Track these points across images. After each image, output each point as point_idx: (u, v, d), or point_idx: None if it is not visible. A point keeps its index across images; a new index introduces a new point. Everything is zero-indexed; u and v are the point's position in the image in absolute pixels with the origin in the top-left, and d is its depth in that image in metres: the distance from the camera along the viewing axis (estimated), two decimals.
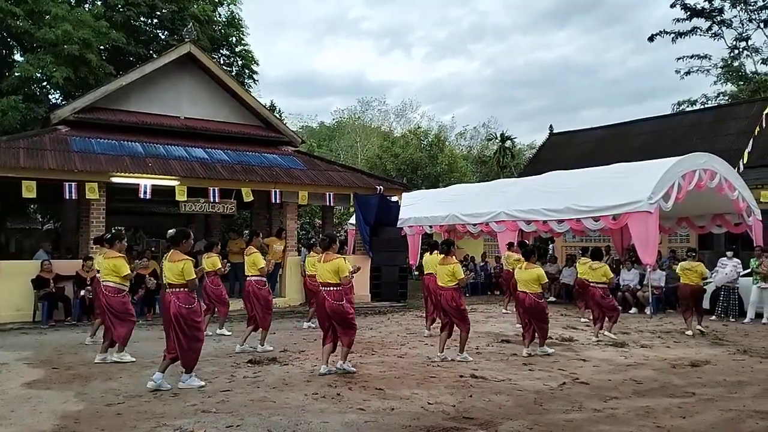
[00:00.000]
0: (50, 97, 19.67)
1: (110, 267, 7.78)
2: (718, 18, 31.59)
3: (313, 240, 13.25)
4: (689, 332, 10.66)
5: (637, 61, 74.12)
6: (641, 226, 12.98)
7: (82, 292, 11.23)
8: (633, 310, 13.94)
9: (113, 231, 8.67)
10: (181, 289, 6.44)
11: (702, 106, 31.22)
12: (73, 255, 13.66)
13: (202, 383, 6.44)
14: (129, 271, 7.88)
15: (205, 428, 4.99)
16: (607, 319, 10.15)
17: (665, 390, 6.61)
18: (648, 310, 13.50)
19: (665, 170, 13.23)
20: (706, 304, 13.22)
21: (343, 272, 6.98)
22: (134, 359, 7.78)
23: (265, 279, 8.99)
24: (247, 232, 10.57)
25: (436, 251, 9.99)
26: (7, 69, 18.51)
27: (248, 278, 8.90)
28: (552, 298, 16.23)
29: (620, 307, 13.92)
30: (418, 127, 40.74)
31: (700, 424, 5.37)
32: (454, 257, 8.37)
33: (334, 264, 7.00)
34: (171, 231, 6.89)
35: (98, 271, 8.64)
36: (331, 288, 7.02)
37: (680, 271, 11.20)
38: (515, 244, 13.51)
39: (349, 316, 7.08)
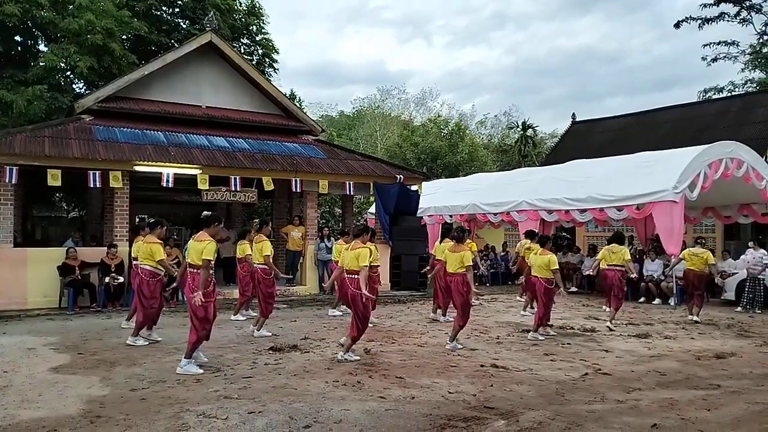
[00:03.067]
0: (74, 86, 19.93)
1: (147, 251, 8.03)
2: (747, 3, 30.82)
3: (346, 229, 13.31)
4: (695, 318, 10.73)
5: (661, 48, 72.90)
6: (666, 216, 12.79)
7: (107, 279, 11.41)
8: (657, 300, 13.77)
9: (146, 218, 8.93)
10: (197, 270, 6.48)
11: (729, 94, 30.56)
12: (98, 243, 13.86)
13: (200, 371, 6.40)
14: (163, 257, 8.10)
15: (227, 414, 5.04)
16: (610, 306, 10.03)
17: (689, 382, 6.52)
18: (672, 301, 13.33)
19: (691, 159, 13.00)
20: (731, 296, 13.07)
21: (364, 260, 7.01)
22: (147, 343, 8.04)
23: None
24: (257, 221, 10.64)
25: (446, 238, 9.96)
26: (33, 59, 18.74)
27: (255, 266, 9.12)
28: (573, 289, 16.10)
29: (642, 298, 13.97)
30: (438, 116, 40.53)
31: (726, 416, 5.28)
32: (466, 244, 8.34)
33: (356, 252, 7.08)
34: (206, 212, 6.95)
35: (135, 258, 8.95)
36: (354, 276, 7.09)
37: (686, 256, 11.09)
38: (536, 233, 13.46)
39: (365, 310, 7.04)
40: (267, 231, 9.65)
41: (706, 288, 11.49)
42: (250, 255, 9.50)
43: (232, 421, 4.87)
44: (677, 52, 68.25)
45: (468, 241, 9.03)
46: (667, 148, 15.50)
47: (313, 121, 17.17)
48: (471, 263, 8.08)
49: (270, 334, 8.76)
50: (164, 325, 9.20)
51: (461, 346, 8.00)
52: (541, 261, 8.95)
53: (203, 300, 6.34)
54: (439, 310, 10.72)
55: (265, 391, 5.78)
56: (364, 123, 45.70)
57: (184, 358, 6.52)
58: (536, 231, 12.46)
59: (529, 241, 12.04)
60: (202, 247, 6.46)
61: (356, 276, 7.04)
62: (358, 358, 7.22)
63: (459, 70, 75.36)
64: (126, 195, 12.19)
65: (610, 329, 9.61)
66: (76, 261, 11.41)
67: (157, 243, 8.16)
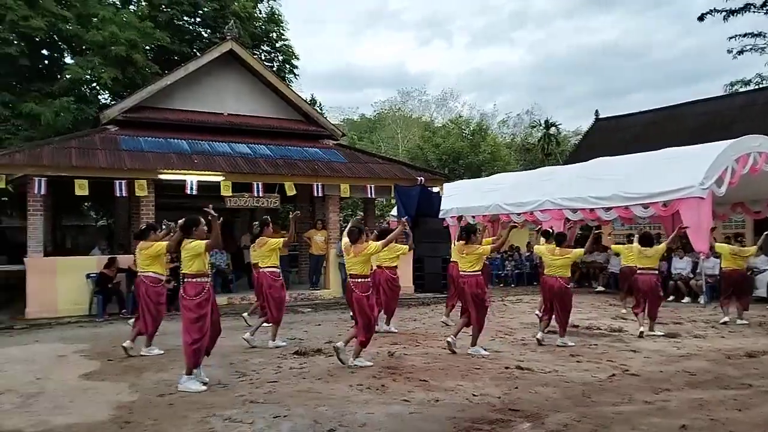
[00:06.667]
0: (99, 97, 20.25)
1: (146, 255, 7.95)
2: None
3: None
4: (725, 318, 10.27)
5: (685, 42, 71.42)
6: (693, 213, 12.57)
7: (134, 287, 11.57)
8: (686, 299, 13.53)
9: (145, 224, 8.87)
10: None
11: (756, 87, 29.92)
12: (126, 250, 14.08)
13: (202, 388, 6.03)
14: (162, 253, 7.88)
15: (253, 419, 5.09)
16: (645, 311, 9.31)
17: (720, 381, 6.39)
18: (701, 299, 13.08)
19: (718, 154, 12.78)
20: (762, 293, 12.76)
21: (377, 248, 7.07)
22: (162, 352, 7.89)
23: (279, 271, 8.54)
24: (256, 224, 9.86)
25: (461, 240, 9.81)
26: (59, 72, 19.13)
27: (261, 270, 8.49)
28: (600, 288, 15.92)
29: (671, 297, 13.61)
30: (460, 116, 40.44)
31: (757, 417, 5.17)
32: (476, 243, 8.06)
33: (364, 253, 7.01)
34: (181, 221, 6.70)
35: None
36: (359, 280, 7.04)
37: (730, 256, 10.70)
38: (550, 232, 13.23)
39: (371, 314, 7.04)
40: (269, 232, 8.83)
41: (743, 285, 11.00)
42: None
43: (257, 426, 4.92)
44: (702, 45, 66.97)
45: (485, 240, 8.75)
46: (693, 143, 15.24)
47: (334, 125, 17.25)
48: (486, 246, 7.97)
49: (285, 343, 8.40)
50: (174, 332, 9.20)
51: (486, 352, 7.76)
52: (563, 262, 8.41)
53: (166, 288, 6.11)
54: (451, 314, 10.37)
55: (290, 395, 5.82)
56: (385, 125, 45.79)
57: (185, 374, 6.13)
58: (549, 230, 12.09)
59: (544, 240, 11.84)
60: (189, 248, 6.33)
61: (361, 281, 7.01)
62: (370, 364, 7.08)
63: (479, 70, 75.07)
64: (151, 203, 12.39)
65: (642, 336, 9.03)
66: (114, 271, 11.54)
67: (152, 244, 7.96)
